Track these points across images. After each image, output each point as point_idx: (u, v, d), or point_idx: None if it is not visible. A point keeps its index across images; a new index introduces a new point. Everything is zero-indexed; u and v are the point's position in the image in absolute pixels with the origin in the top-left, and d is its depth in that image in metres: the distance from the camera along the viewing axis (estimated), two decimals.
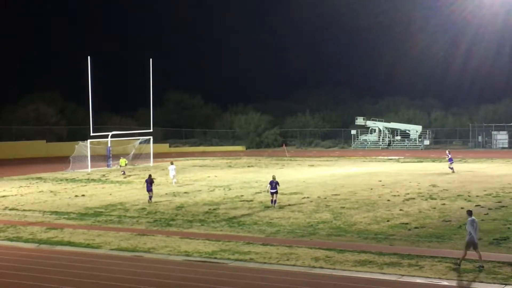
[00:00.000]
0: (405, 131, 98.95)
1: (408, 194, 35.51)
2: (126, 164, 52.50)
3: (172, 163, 45.84)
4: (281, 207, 30.70)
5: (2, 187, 43.84)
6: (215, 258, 20.52)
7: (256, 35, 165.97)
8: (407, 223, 25.76)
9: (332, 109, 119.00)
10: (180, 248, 22.12)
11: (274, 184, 31.17)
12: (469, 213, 19.53)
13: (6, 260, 20.96)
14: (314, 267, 19.07)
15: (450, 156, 50.94)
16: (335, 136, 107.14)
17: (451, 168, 49.79)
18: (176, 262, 20.26)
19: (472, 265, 18.63)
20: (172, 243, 23.01)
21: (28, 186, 44.00)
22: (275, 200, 31.30)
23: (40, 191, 40.45)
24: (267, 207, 31.02)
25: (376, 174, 49.16)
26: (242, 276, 18.37)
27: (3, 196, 38.23)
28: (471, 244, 18.78)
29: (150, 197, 33.79)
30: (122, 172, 52.45)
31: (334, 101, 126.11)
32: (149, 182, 34.03)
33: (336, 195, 35.66)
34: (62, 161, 60.11)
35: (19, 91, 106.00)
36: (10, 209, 32.73)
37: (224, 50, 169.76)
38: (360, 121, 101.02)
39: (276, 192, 31.40)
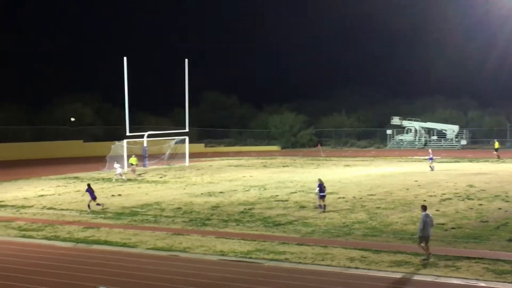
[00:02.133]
0: (442, 131, 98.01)
1: (445, 194, 35.14)
2: (136, 164, 53.20)
3: (117, 162, 51.17)
4: (316, 207, 30.52)
5: (40, 186, 44.52)
6: (250, 258, 20.52)
7: (293, 35, 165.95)
8: (443, 224, 25.46)
9: (367, 109, 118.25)
10: (216, 247, 22.17)
11: (323, 187, 30.05)
12: (424, 208, 20.02)
13: (44, 259, 21.23)
14: (349, 267, 18.97)
15: (431, 155, 53.04)
16: (370, 136, 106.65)
17: (431, 167, 51.90)
18: (212, 262, 20.29)
19: (509, 266, 18.37)
20: (207, 242, 23.08)
21: (65, 186, 44.61)
22: (325, 205, 29.97)
23: (77, 191, 40.88)
24: (302, 207, 30.92)
25: (412, 174, 48.75)
26: (277, 276, 18.34)
27: (41, 196, 38.80)
28: (425, 238, 19.27)
29: (98, 204, 32.24)
30: (131, 171, 53.09)
31: (369, 101, 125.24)
32: (90, 190, 32.11)
33: (371, 195, 35.45)
34: (99, 160, 60.80)
35: (56, 92, 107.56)
36: (48, 208, 33.19)
37: (259, 50, 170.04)
38: (396, 120, 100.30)
39: (325, 196, 30.36)
